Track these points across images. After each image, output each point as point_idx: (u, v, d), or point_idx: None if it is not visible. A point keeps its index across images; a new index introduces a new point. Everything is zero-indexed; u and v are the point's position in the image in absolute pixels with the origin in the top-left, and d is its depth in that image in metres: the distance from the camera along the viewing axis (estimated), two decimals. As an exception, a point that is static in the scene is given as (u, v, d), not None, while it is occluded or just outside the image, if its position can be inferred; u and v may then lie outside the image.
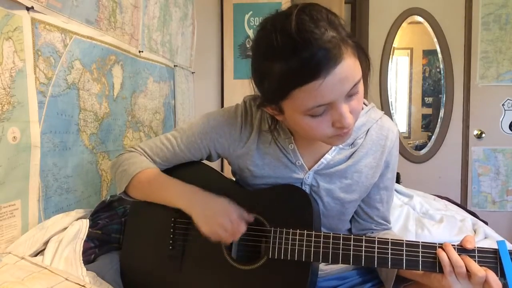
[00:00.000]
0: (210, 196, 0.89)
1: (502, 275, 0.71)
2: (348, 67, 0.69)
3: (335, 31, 0.68)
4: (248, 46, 2.49)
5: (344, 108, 0.72)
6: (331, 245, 0.80)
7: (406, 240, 0.77)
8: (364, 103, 0.94)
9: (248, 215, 0.87)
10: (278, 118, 0.83)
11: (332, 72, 0.67)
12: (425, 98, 2.80)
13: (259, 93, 0.80)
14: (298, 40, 0.66)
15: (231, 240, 0.85)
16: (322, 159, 0.89)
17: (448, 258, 0.72)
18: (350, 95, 0.72)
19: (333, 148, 0.90)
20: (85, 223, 1.00)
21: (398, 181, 2.08)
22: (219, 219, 0.84)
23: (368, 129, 0.91)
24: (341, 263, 0.80)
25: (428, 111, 2.79)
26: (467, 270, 0.71)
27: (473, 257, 0.73)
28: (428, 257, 0.75)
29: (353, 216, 0.99)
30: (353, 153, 0.90)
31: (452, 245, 0.74)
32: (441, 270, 0.73)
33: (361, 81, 0.74)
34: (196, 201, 0.88)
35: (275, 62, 0.70)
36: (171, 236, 0.94)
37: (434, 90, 2.76)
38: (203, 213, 0.86)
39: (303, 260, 0.81)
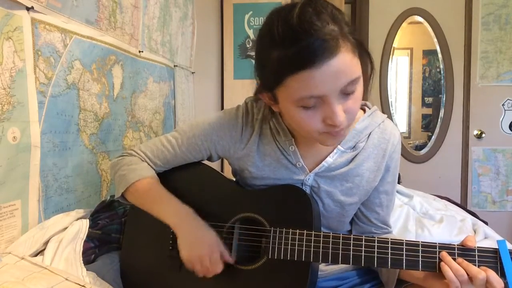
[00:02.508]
0: (202, 225, 0.88)
1: (502, 274, 0.71)
2: (345, 62, 0.69)
3: (337, 26, 0.69)
4: (248, 46, 2.48)
5: (337, 105, 0.71)
6: (330, 245, 0.80)
7: (406, 240, 0.77)
8: (367, 106, 0.94)
9: (229, 257, 0.86)
10: (274, 108, 0.84)
11: (327, 63, 0.67)
12: (425, 98, 2.80)
13: (259, 81, 0.81)
14: (298, 29, 0.67)
15: (202, 275, 0.86)
16: (323, 162, 0.89)
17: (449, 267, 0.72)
18: (346, 94, 0.72)
19: (335, 151, 0.89)
20: (85, 223, 1.00)
21: (398, 181, 2.08)
22: (200, 252, 0.84)
23: (370, 132, 0.90)
24: (341, 263, 0.80)
25: (428, 111, 2.79)
26: (467, 274, 0.70)
27: (473, 256, 0.73)
28: (428, 257, 0.75)
29: (353, 219, 0.99)
30: (355, 156, 0.89)
31: (452, 245, 0.74)
32: (440, 270, 0.73)
33: (360, 82, 0.74)
34: (186, 225, 0.88)
35: (274, 49, 0.71)
36: (171, 236, 0.94)
37: (434, 90, 2.76)
38: (188, 239, 0.87)
39: (303, 260, 0.81)
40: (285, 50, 0.69)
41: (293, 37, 0.68)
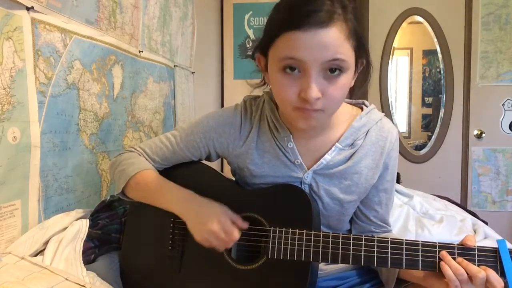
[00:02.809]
0: (205, 202, 0.88)
1: (502, 274, 0.71)
2: (333, 38, 0.72)
3: (341, 9, 0.73)
4: (248, 46, 2.49)
5: (315, 80, 0.73)
6: (330, 244, 0.80)
7: (405, 240, 0.77)
8: (364, 105, 0.94)
9: (242, 222, 0.86)
10: (266, 79, 0.88)
11: (315, 31, 0.71)
12: (425, 98, 2.80)
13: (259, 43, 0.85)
14: None
15: (224, 248, 0.85)
16: (321, 159, 0.89)
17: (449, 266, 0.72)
18: (328, 75, 0.74)
19: (333, 148, 0.89)
20: (85, 223, 1.00)
21: (398, 181, 2.08)
22: (211, 227, 0.83)
23: (368, 130, 0.91)
24: (341, 263, 0.80)
25: (428, 111, 2.79)
26: (467, 273, 0.70)
27: (473, 255, 0.73)
28: (427, 256, 0.75)
29: (352, 218, 0.99)
30: (353, 154, 0.90)
31: (452, 244, 0.74)
32: (441, 270, 0.73)
33: (348, 72, 0.76)
34: (190, 208, 0.88)
35: (277, 13, 0.78)
36: (171, 236, 0.94)
37: (434, 90, 2.76)
38: (196, 220, 0.86)
39: (303, 259, 0.81)
40: (284, 13, 0.75)
41: (296, 2, 0.73)
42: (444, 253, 0.73)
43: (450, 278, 0.71)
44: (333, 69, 0.74)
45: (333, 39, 0.72)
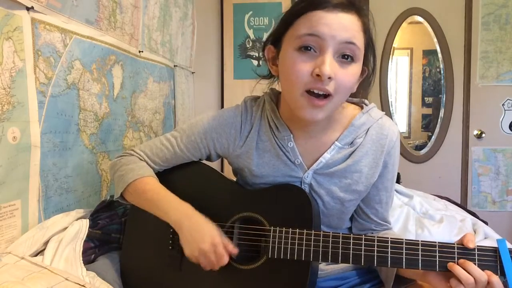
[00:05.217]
0: (201, 220, 0.86)
1: (502, 273, 0.71)
2: (352, 23, 0.77)
3: (358, 8, 0.78)
4: (248, 46, 2.49)
5: (330, 58, 0.76)
6: (330, 244, 0.80)
7: (405, 239, 0.77)
8: (364, 103, 0.94)
9: (233, 247, 0.85)
10: (273, 71, 0.89)
11: (336, 13, 0.76)
12: (425, 98, 2.80)
13: (271, 36, 0.88)
14: None
15: (209, 268, 0.84)
16: (321, 158, 0.89)
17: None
18: (341, 59, 0.77)
19: (332, 147, 0.90)
20: (85, 223, 1.00)
21: (398, 181, 2.08)
22: (203, 246, 0.82)
23: (368, 128, 0.91)
24: (341, 262, 0.80)
25: (428, 111, 2.79)
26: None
27: (473, 255, 0.73)
28: (427, 255, 0.75)
29: (353, 215, 0.99)
30: (353, 152, 0.90)
31: (452, 244, 0.74)
32: (440, 269, 0.73)
33: (358, 62, 0.80)
34: (186, 221, 0.86)
35: (299, 1, 0.81)
36: (171, 236, 0.94)
37: (434, 90, 2.76)
38: (189, 235, 0.85)
39: (303, 259, 0.81)
40: None
41: None
42: (451, 264, 0.73)
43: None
44: (346, 55, 0.77)
45: (352, 24, 0.77)
